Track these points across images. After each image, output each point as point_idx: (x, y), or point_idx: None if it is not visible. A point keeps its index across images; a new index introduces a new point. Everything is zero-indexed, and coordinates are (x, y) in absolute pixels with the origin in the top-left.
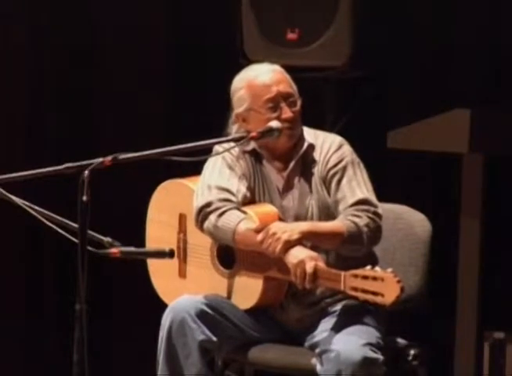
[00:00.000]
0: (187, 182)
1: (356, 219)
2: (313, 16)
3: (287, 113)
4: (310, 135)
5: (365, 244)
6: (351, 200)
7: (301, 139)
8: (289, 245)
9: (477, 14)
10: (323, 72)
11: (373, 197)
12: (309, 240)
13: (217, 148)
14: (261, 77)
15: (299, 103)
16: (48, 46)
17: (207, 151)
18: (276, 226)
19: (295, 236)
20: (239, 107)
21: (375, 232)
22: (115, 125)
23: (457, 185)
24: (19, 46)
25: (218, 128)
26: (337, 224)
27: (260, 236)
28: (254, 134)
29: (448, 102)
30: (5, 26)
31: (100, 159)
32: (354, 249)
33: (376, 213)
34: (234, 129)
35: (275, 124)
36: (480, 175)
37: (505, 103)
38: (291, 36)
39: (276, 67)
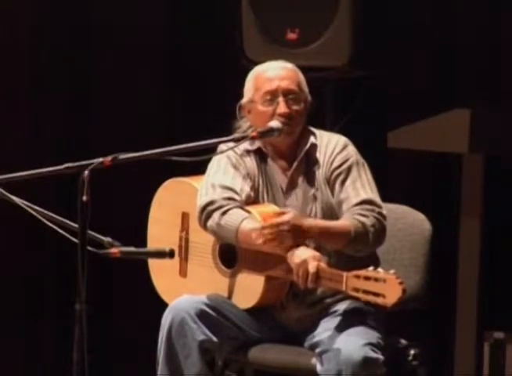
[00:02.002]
0: (190, 180)
1: (363, 219)
2: (313, 16)
3: (282, 108)
4: (315, 135)
5: (371, 244)
6: (355, 200)
7: (305, 138)
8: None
9: (477, 14)
10: (323, 72)
11: (377, 198)
12: (317, 234)
13: (221, 147)
14: (269, 71)
15: (304, 103)
16: (48, 46)
17: (208, 151)
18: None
19: (305, 223)
20: (244, 98)
21: (380, 232)
22: (115, 125)
23: (457, 185)
24: (20, 46)
25: (218, 128)
26: (344, 223)
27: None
28: (254, 134)
29: (448, 102)
30: (6, 25)
31: (100, 159)
32: (359, 249)
33: (381, 214)
34: (242, 121)
35: (275, 124)
36: (480, 175)
37: (505, 102)
38: (291, 36)
39: (289, 65)
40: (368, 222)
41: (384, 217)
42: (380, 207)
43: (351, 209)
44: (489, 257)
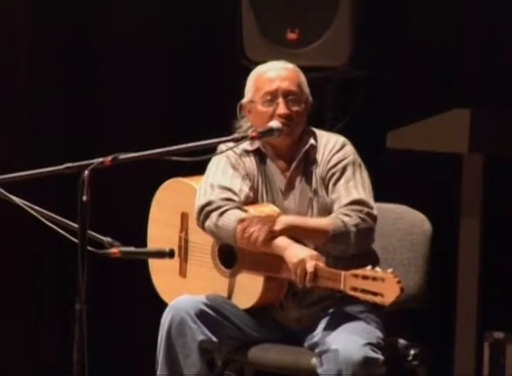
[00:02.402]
0: (189, 181)
1: (345, 218)
2: (313, 16)
3: (282, 109)
4: (315, 135)
5: (353, 244)
6: (346, 200)
7: (305, 139)
8: (271, 236)
9: (477, 14)
10: (323, 72)
11: (369, 199)
12: (293, 233)
13: (221, 147)
14: (269, 72)
15: (304, 104)
16: (48, 46)
17: (208, 151)
18: (262, 217)
19: (278, 227)
20: (245, 98)
21: (365, 232)
22: (115, 125)
23: (457, 185)
24: (20, 46)
25: (218, 128)
26: (325, 221)
27: (242, 225)
28: (253, 134)
29: (448, 102)
30: (6, 26)
31: (100, 159)
32: (341, 249)
33: (369, 214)
34: (243, 121)
35: (275, 124)
36: (480, 175)
37: (505, 102)
38: (291, 36)
39: (290, 66)
40: (350, 221)
41: (372, 217)
42: (370, 207)
43: (339, 209)
44: (489, 257)
